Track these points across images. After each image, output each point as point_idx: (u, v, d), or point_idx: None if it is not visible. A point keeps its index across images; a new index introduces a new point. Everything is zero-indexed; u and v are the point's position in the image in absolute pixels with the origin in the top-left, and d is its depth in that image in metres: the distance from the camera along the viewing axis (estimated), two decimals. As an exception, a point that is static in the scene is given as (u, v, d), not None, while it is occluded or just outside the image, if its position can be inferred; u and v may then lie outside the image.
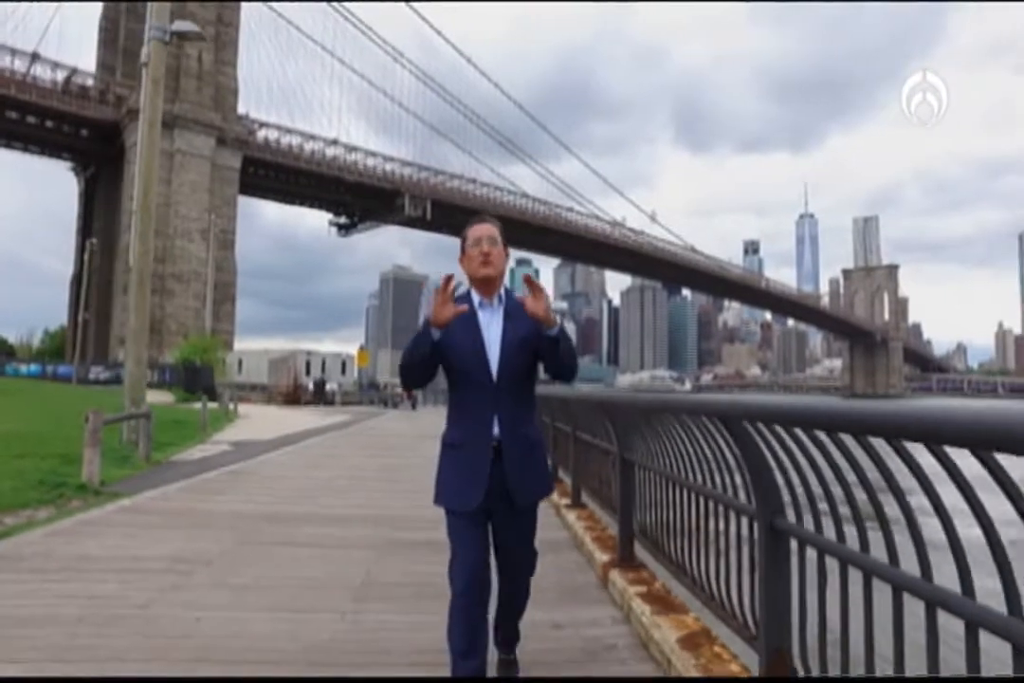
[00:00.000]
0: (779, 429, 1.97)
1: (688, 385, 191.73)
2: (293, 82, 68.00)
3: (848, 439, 1.68)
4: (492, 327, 2.34)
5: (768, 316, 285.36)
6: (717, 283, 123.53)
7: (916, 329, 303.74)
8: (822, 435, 1.79)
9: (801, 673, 2.03)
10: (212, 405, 17.97)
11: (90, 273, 58.22)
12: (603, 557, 4.15)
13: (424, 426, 19.21)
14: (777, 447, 2.05)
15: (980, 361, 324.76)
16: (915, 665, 1.56)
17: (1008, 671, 1.26)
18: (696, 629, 2.90)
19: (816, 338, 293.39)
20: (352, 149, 67.85)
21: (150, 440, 9.06)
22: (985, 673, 1.37)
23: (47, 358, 58.43)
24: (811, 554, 1.98)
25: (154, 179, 9.45)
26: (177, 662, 2.79)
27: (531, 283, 2.19)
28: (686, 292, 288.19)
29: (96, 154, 63.65)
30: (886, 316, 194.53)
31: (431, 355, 2.25)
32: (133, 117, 58.66)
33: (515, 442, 2.30)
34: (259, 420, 19.65)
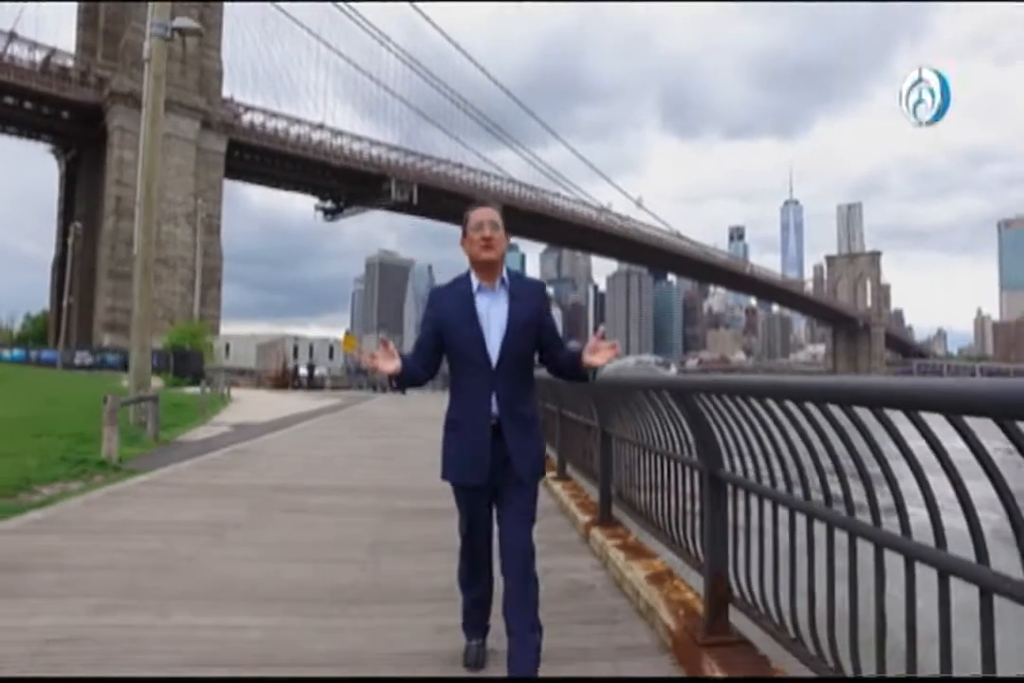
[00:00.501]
0: (715, 398, 2.54)
1: (673, 370, 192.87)
2: (278, 65, 67.47)
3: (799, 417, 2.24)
4: (492, 311, 2.37)
5: (753, 302, 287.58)
6: (702, 269, 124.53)
7: (898, 315, 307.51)
8: (755, 403, 2.32)
9: (736, 591, 2.60)
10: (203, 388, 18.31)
11: (74, 258, 57.86)
12: (585, 518, 4.73)
13: (414, 409, 19.75)
14: (716, 413, 2.60)
15: (960, 347, 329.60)
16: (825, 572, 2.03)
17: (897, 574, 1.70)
18: (661, 570, 3.48)
19: (800, 324, 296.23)
20: (338, 133, 67.58)
21: (158, 421, 9.53)
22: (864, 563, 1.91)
23: (30, 343, 58.07)
24: (757, 506, 2.54)
25: (156, 172, 9.82)
26: (227, 600, 3.33)
27: (611, 348, 2.33)
28: (672, 277, 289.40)
29: (77, 136, 62.88)
30: (868, 302, 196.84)
31: (415, 370, 2.38)
32: (115, 100, 58.02)
33: (514, 421, 2.36)
34: (252, 404, 20.08)
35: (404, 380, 2.36)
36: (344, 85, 73.62)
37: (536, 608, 2.39)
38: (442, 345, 2.40)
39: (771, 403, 2.19)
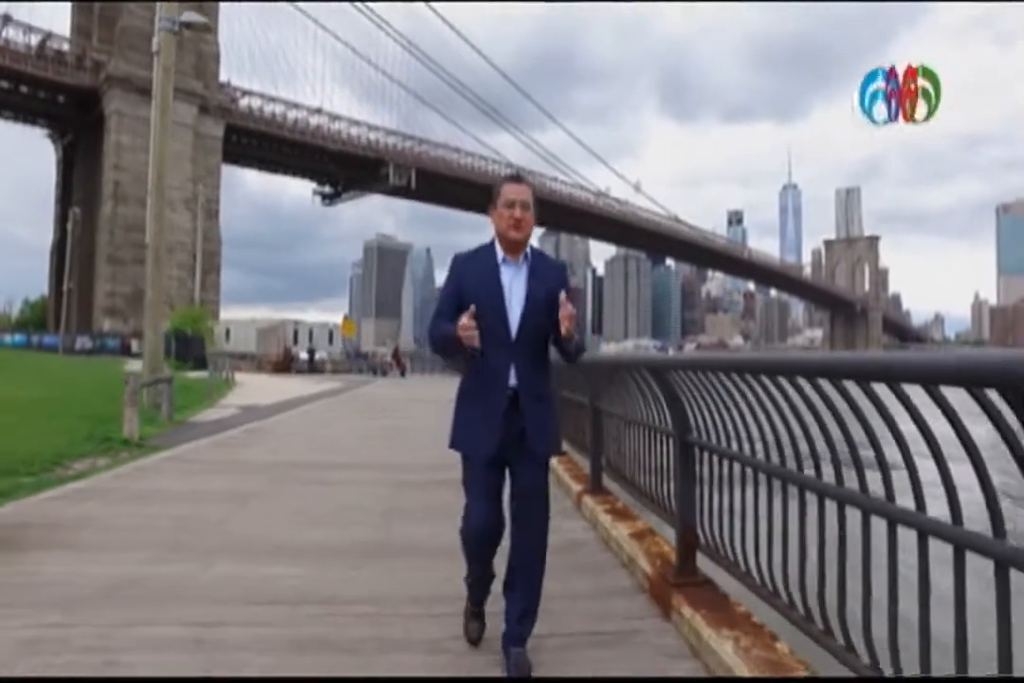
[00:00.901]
0: (683, 373, 3.01)
1: (671, 354, 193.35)
2: (276, 49, 67.13)
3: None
4: (515, 284, 2.39)
5: (751, 286, 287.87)
6: (701, 253, 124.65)
7: (896, 300, 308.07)
8: (722, 377, 2.69)
9: (703, 540, 3.04)
10: (204, 373, 18.69)
11: (73, 243, 57.92)
12: (577, 487, 5.19)
13: (415, 393, 20.21)
14: (685, 386, 3.04)
15: (957, 331, 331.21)
16: (788, 528, 2.31)
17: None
18: (643, 529, 3.93)
19: (798, 308, 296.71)
20: (335, 118, 67.42)
21: (172, 403, 9.97)
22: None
23: (30, 328, 58.38)
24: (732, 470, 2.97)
25: (166, 162, 10.17)
26: (261, 554, 3.77)
27: (568, 314, 2.28)
28: (670, 262, 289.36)
29: (74, 121, 62.64)
30: (866, 287, 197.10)
31: (455, 351, 2.35)
32: (112, 84, 57.79)
33: (530, 392, 2.36)
34: (256, 387, 20.50)
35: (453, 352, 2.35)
36: (342, 69, 73.37)
37: (539, 590, 2.44)
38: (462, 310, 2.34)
39: (735, 377, 2.55)
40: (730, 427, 2.72)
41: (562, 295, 2.28)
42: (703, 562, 3.10)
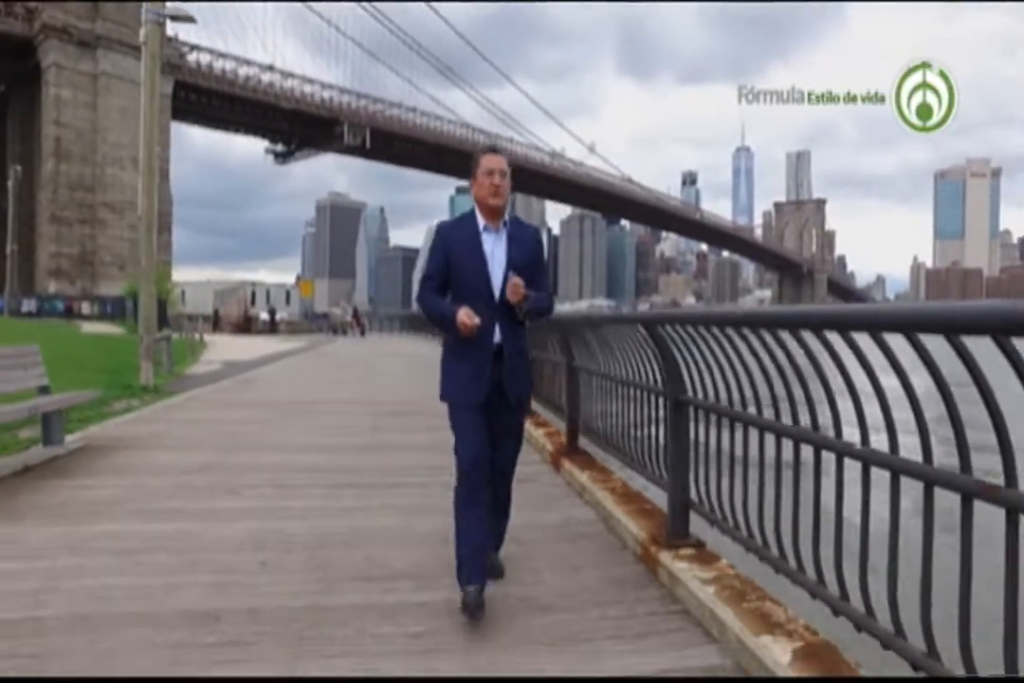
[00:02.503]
0: (679, 328, 2.92)
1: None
2: (224, 3, 65.12)
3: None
4: (496, 250, 2.61)
5: (704, 247, 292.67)
6: (654, 214, 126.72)
7: (841, 262, 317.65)
8: (716, 331, 2.62)
9: (693, 496, 2.95)
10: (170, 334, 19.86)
11: (14, 202, 56.41)
12: (550, 447, 5.21)
13: (377, 349, 21.90)
14: (680, 343, 2.93)
15: (897, 292, 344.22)
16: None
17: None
18: (618, 485, 4.03)
19: (749, 269, 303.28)
20: (288, 75, 66.29)
21: (171, 358, 11.50)
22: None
23: (-30, 291, 56.90)
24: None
25: (155, 142, 11.41)
26: (293, 450, 5.55)
27: (516, 290, 2.49)
28: (625, 222, 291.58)
29: (4, 72, 60.00)
30: (813, 249, 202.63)
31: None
32: (48, 34, 55.65)
33: (512, 347, 2.61)
34: (228, 346, 21.84)
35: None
36: (293, 23, 71.71)
37: (509, 502, 2.86)
38: (448, 276, 2.59)
39: (730, 331, 2.54)
40: (732, 385, 2.68)
41: (510, 274, 2.53)
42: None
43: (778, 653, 2.04)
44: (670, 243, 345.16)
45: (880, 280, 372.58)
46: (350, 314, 39.23)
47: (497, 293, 2.57)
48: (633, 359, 3.79)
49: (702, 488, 2.91)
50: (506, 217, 2.68)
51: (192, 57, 60.78)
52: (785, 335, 2.20)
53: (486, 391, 2.57)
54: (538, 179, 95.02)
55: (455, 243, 2.60)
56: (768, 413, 2.41)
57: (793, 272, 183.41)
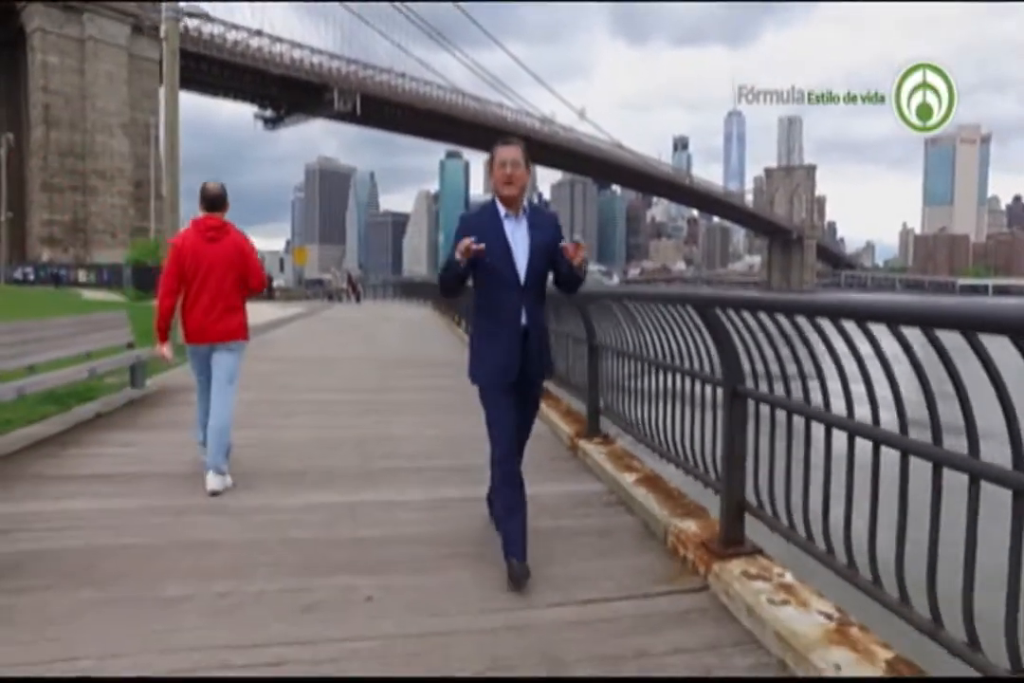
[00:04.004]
0: (738, 313, 2.69)
1: (616, 279, 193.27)
2: (208, -39, 64.21)
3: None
4: (518, 235, 2.73)
5: (695, 213, 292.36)
6: (645, 180, 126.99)
7: (831, 228, 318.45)
8: (781, 319, 2.40)
9: (752, 501, 2.67)
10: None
11: (6, 170, 56.45)
12: (568, 429, 4.91)
13: (375, 314, 23.41)
14: (741, 330, 2.70)
15: (886, 259, 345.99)
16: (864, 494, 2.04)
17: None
18: (649, 474, 3.73)
19: (739, 234, 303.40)
20: (277, 40, 66.07)
21: (195, 321, 12.97)
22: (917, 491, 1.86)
23: (-35, 258, 57.18)
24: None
25: (178, 130, 12.66)
26: (324, 391, 7.16)
27: (578, 248, 2.66)
28: (616, 187, 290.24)
29: (-14, 37, 59.26)
30: (803, 215, 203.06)
31: (464, 274, 2.68)
32: (33, -2, 55.09)
33: (536, 329, 2.75)
34: (233, 312, 23.21)
35: (461, 279, 2.71)
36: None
37: (520, 459, 2.81)
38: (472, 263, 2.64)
39: (798, 319, 2.31)
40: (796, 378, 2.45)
41: (563, 244, 2.70)
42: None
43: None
44: (661, 208, 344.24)
45: (870, 246, 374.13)
46: (345, 281, 40.48)
47: (523, 277, 2.71)
48: (676, 342, 3.48)
49: (763, 490, 2.63)
50: (525, 204, 2.81)
51: (180, 22, 60.28)
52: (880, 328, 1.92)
53: (517, 370, 2.71)
54: (528, 144, 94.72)
55: (479, 231, 2.66)
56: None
57: (783, 238, 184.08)
